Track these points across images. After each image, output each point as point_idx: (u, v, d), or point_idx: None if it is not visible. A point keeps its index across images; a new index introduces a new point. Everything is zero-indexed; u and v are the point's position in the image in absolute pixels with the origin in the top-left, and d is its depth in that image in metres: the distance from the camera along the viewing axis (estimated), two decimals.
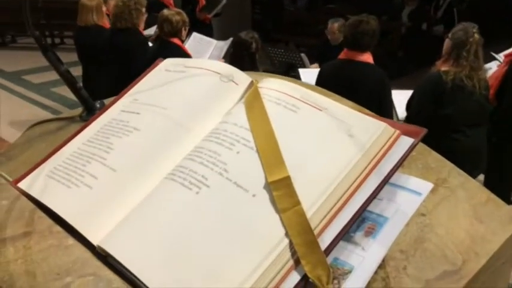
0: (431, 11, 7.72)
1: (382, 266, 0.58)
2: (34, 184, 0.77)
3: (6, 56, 8.64)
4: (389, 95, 3.04)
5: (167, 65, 0.90)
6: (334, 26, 4.67)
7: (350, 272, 0.57)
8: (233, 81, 0.80)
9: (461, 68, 2.80)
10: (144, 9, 3.81)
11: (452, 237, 0.62)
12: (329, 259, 0.57)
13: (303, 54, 4.95)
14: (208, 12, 5.86)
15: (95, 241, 0.64)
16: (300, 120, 0.69)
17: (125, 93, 0.89)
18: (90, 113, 1.00)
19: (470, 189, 0.69)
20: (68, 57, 4.31)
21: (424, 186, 0.61)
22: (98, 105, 1.02)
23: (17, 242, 0.64)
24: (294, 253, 0.57)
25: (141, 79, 0.91)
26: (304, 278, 0.56)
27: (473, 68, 2.81)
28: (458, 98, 2.80)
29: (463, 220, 0.64)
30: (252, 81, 0.80)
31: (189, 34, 4.32)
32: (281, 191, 0.61)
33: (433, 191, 0.67)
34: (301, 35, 7.76)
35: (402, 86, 3.50)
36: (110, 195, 0.70)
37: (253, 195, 0.62)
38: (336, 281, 0.56)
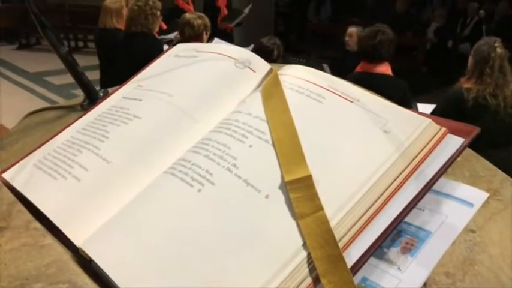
0: (458, 28, 7.55)
1: None
2: (19, 175, 0.68)
3: (29, 57, 8.72)
4: (411, 106, 2.91)
5: (177, 51, 0.81)
6: (353, 30, 4.61)
7: None
8: (250, 68, 0.70)
9: (485, 85, 2.66)
10: (159, 13, 3.73)
11: (508, 259, 0.50)
12: (356, 279, 0.46)
13: (325, 65, 4.84)
14: (229, 22, 5.79)
15: (77, 242, 0.54)
16: (326, 111, 0.59)
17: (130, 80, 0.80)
18: (92, 102, 0.91)
19: None
20: (92, 60, 4.28)
21: (477, 196, 0.50)
22: (101, 94, 0.93)
23: None
24: (312, 269, 0.46)
25: (148, 66, 0.82)
26: None
27: (498, 85, 2.66)
28: (481, 117, 2.64)
29: None
30: (271, 68, 0.70)
31: (210, 40, 4.25)
32: (300, 192, 0.50)
33: (483, 203, 0.56)
34: (324, 47, 7.65)
35: (425, 102, 3.37)
36: (99, 189, 0.60)
37: (266, 197, 0.51)
38: None
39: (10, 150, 0.87)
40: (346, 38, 4.72)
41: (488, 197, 0.57)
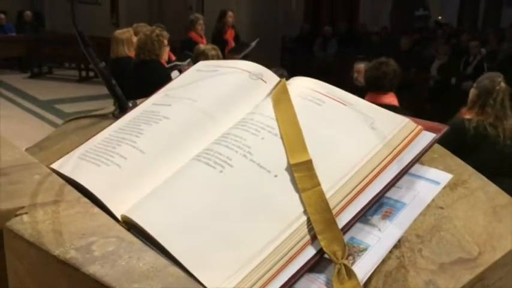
0: (461, 66, 7.75)
1: (397, 246, 0.58)
2: (65, 164, 0.81)
3: (41, 85, 8.98)
4: None
5: (199, 66, 0.95)
6: (361, 66, 4.72)
7: (365, 249, 0.57)
8: (262, 79, 0.84)
9: (485, 116, 2.77)
10: (166, 41, 3.88)
11: (469, 231, 0.62)
12: (345, 238, 0.58)
13: None
14: (237, 53, 6.01)
15: (118, 214, 0.67)
16: (324, 112, 0.72)
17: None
18: (122, 111, 1.04)
19: (491, 192, 0.69)
20: (104, 89, 4.43)
21: (443, 177, 0.62)
22: (130, 104, 1.06)
23: (46, 207, 0.66)
24: (311, 229, 0.58)
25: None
26: (320, 252, 0.57)
27: (498, 117, 2.77)
28: (481, 147, 2.74)
29: (481, 218, 0.65)
30: (280, 80, 0.83)
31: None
32: (302, 172, 0.63)
33: (452, 189, 0.68)
34: (329, 83, 7.82)
35: None
36: (137, 173, 0.72)
37: (275, 176, 0.64)
38: (350, 257, 0.57)
39: (50, 151, 0.99)
40: (355, 75, 4.81)
41: (457, 185, 0.69)
